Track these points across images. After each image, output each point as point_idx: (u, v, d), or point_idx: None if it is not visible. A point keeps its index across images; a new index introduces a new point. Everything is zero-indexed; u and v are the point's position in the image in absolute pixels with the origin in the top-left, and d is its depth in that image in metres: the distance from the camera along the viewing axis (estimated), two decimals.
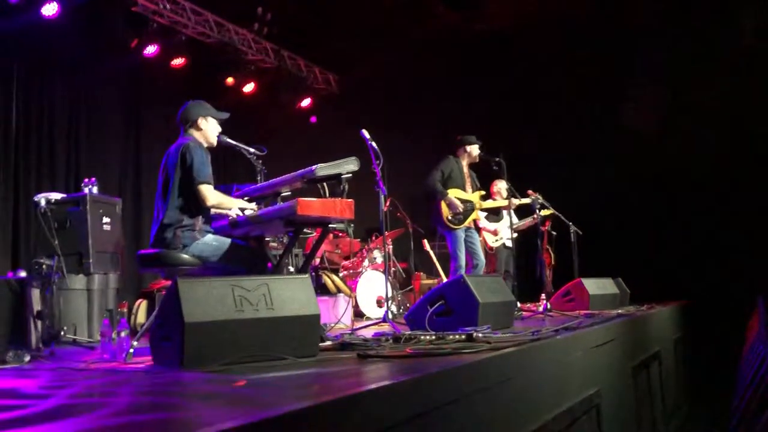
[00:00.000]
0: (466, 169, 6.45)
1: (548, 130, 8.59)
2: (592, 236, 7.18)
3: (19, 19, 6.54)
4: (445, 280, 6.69)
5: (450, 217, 6.20)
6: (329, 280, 6.62)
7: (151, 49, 7.73)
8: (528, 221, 7.33)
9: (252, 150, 4.13)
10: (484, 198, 6.51)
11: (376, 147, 4.62)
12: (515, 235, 6.79)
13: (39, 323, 3.88)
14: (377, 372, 2.43)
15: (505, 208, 6.88)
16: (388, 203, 6.68)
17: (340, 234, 7.33)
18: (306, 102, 9.95)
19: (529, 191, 6.65)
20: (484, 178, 6.82)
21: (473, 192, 6.41)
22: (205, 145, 3.83)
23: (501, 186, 7.06)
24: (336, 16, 8.85)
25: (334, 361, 2.79)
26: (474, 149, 6.43)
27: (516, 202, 6.58)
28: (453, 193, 6.22)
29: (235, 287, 2.79)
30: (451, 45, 9.00)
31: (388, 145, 4.91)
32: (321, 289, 6.46)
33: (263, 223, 3.67)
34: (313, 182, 3.72)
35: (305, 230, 3.89)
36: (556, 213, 7.04)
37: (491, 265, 7.40)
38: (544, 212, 6.96)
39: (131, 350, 3.18)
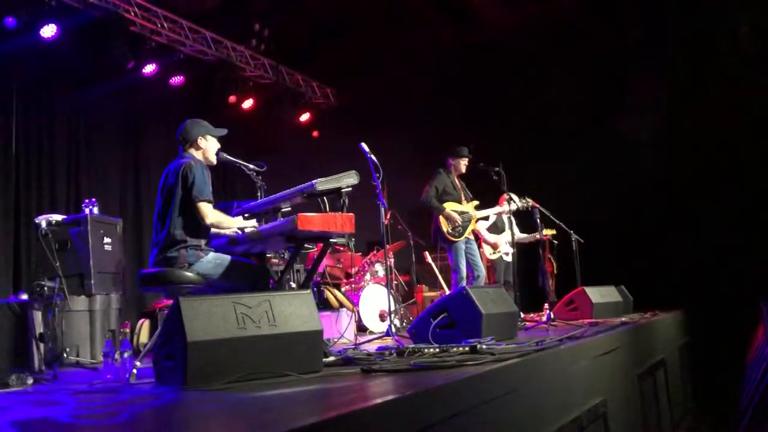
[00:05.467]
0: (457, 181, 6.48)
1: (547, 139, 8.61)
2: (593, 244, 7.17)
3: (17, 41, 6.58)
4: (447, 292, 6.67)
5: (450, 231, 6.21)
6: (331, 294, 6.61)
7: (149, 68, 7.75)
8: (530, 237, 7.31)
9: (251, 166, 4.14)
10: (478, 207, 6.53)
11: (376, 160, 4.62)
12: (513, 250, 6.77)
13: (41, 345, 3.87)
14: (382, 386, 2.42)
15: (500, 213, 6.95)
16: (388, 216, 6.68)
17: (341, 248, 7.32)
18: (305, 117, 9.97)
19: (532, 201, 6.64)
20: (484, 188, 6.82)
21: (468, 203, 6.43)
22: (205, 163, 3.84)
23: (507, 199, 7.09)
24: (333, 30, 8.89)
25: (338, 377, 2.78)
26: (461, 164, 6.44)
27: (513, 206, 6.57)
28: (449, 207, 6.24)
29: (237, 305, 2.78)
30: (449, 56, 9.04)
31: (388, 158, 4.91)
32: (323, 304, 6.44)
33: (264, 239, 3.67)
34: (313, 197, 3.72)
35: (306, 245, 3.88)
36: (557, 222, 7.03)
37: (490, 277, 7.38)
38: (547, 231, 6.97)
39: (134, 370, 3.17)
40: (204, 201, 3.62)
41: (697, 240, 7.78)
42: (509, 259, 7.00)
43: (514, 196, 6.49)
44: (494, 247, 7.43)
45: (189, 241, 3.64)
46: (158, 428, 1.98)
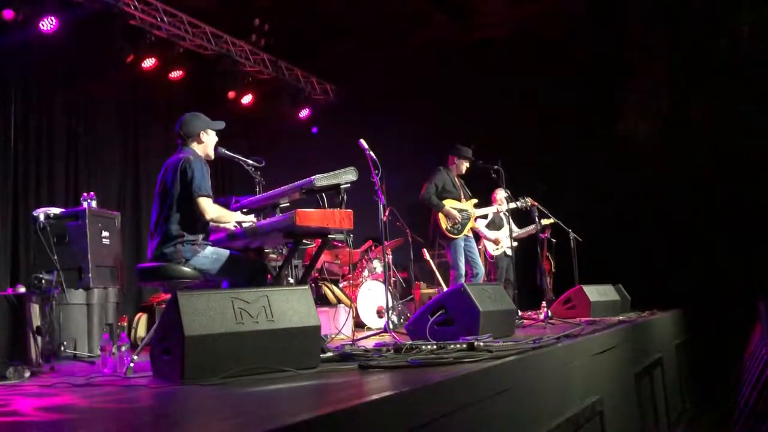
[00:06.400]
0: (457, 179, 6.48)
1: (547, 137, 8.60)
2: (591, 243, 7.17)
3: (17, 34, 6.56)
4: (445, 289, 6.67)
5: (449, 228, 6.22)
6: (329, 290, 6.61)
7: (149, 62, 7.74)
8: (529, 229, 7.32)
9: (250, 162, 4.13)
10: (477, 206, 6.53)
11: (375, 157, 4.62)
12: (515, 243, 6.79)
13: (39, 338, 3.86)
14: (378, 383, 2.42)
15: (498, 212, 6.97)
16: (387, 213, 6.68)
17: (340, 244, 7.31)
18: (304, 112, 9.96)
19: (530, 199, 6.64)
20: (482, 185, 6.83)
21: (467, 201, 6.44)
22: (204, 157, 3.84)
23: (501, 195, 7.07)
24: (333, 26, 8.88)
25: (335, 373, 2.78)
26: (463, 164, 6.45)
27: (511, 205, 6.58)
28: (448, 204, 6.25)
29: (235, 299, 2.78)
30: (449, 53, 9.02)
31: (387, 155, 4.91)
32: (321, 300, 6.44)
33: (262, 235, 3.66)
34: (311, 193, 3.72)
35: (304, 241, 3.88)
36: (556, 220, 7.04)
37: (492, 274, 7.39)
38: (545, 221, 6.97)
39: (131, 364, 3.17)
40: (203, 196, 3.61)
41: (695, 239, 7.78)
42: (510, 252, 7.01)
43: (508, 192, 6.49)
44: (496, 242, 7.44)
45: (186, 236, 3.63)
46: (155, 422, 1.98)
